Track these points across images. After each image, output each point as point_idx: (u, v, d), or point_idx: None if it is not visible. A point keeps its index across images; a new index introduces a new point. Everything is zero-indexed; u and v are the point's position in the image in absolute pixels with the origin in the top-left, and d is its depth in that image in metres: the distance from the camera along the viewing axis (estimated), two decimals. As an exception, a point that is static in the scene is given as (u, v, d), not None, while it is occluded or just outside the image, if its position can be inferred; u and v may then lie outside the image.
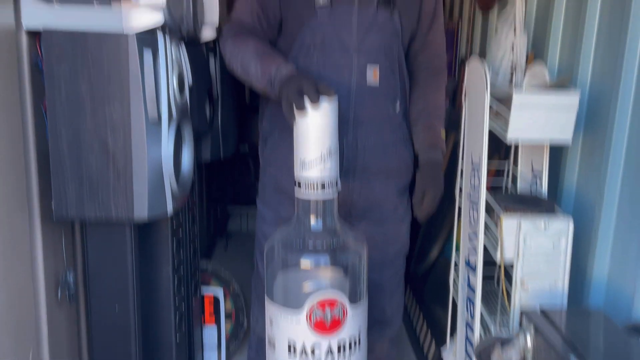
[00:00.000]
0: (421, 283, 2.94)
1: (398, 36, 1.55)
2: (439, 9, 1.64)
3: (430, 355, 2.35)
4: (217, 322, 2.27)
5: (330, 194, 1.30)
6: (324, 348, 1.32)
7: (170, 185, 1.44)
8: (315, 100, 1.25)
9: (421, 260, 3.00)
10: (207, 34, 2.14)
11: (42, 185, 1.44)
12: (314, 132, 1.27)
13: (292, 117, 1.28)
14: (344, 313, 1.32)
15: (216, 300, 2.27)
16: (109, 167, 1.34)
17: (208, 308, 2.27)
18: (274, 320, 1.35)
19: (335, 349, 1.33)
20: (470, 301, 1.69)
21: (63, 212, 1.37)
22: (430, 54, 1.67)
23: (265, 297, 1.38)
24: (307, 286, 1.31)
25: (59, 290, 1.54)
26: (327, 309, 1.30)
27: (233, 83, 2.24)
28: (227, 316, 2.32)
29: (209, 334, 2.26)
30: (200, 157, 2.13)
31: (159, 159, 1.39)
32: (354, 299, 1.34)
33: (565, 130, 1.43)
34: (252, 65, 1.44)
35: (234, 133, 2.37)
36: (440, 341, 2.28)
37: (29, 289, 1.42)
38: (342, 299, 1.31)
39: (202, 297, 2.24)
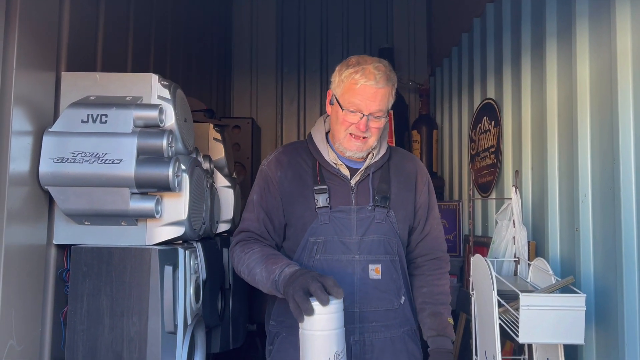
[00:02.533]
0: None
1: (396, 232, 1.63)
2: (432, 199, 1.71)
3: None
4: None
5: (339, 400, 1.26)
6: None
7: (182, 398, 1.41)
8: (325, 302, 1.26)
9: None
10: (222, 227, 2.27)
11: (52, 399, 1.42)
12: (321, 338, 1.26)
13: (301, 319, 1.30)
14: None
15: None
16: (121, 382, 1.33)
17: None
18: None
19: None
20: None
21: None
22: (429, 242, 1.70)
23: None
24: None
25: None
26: None
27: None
28: None
29: None
30: (209, 349, 2.11)
31: (172, 371, 1.38)
32: None
33: (576, 332, 1.43)
34: (257, 269, 1.48)
35: (244, 323, 2.37)
36: None
37: None
38: None
39: None
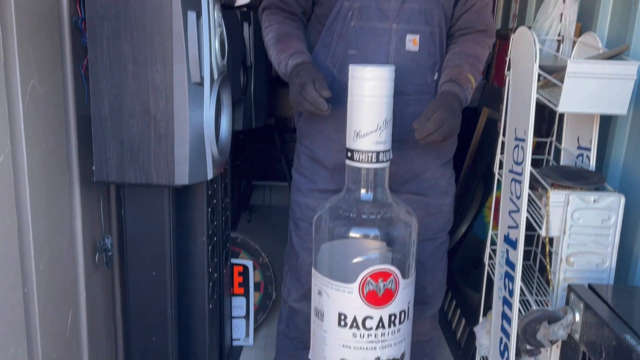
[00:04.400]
0: (449, 261, 2.90)
1: (439, 2, 1.50)
2: None
3: (459, 333, 2.33)
4: (246, 293, 2.27)
5: (383, 163, 1.27)
6: (375, 320, 1.30)
7: (211, 150, 1.41)
8: (327, 95, 1.32)
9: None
10: (242, 0, 2.10)
11: (81, 149, 1.43)
12: (371, 104, 1.23)
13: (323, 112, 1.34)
14: (396, 285, 1.29)
15: (245, 272, 2.27)
16: (150, 131, 1.31)
17: (237, 279, 2.27)
18: (323, 292, 1.33)
19: (386, 321, 1.31)
20: (509, 277, 1.66)
21: (104, 176, 1.36)
22: (473, 16, 1.59)
23: (312, 269, 1.36)
24: (360, 258, 1.28)
25: (97, 255, 1.53)
26: (380, 281, 1.28)
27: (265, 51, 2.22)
28: (256, 287, 2.32)
29: (238, 304, 2.27)
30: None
31: (200, 122, 1.36)
32: (404, 273, 1.32)
33: (622, 101, 1.37)
34: (271, 52, 1.48)
35: (266, 102, 2.34)
36: (470, 319, 2.26)
37: (68, 252, 1.42)
38: (395, 271, 1.29)
39: (232, 268, 2.23)
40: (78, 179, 1.42)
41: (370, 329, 1.32)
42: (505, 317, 1.68)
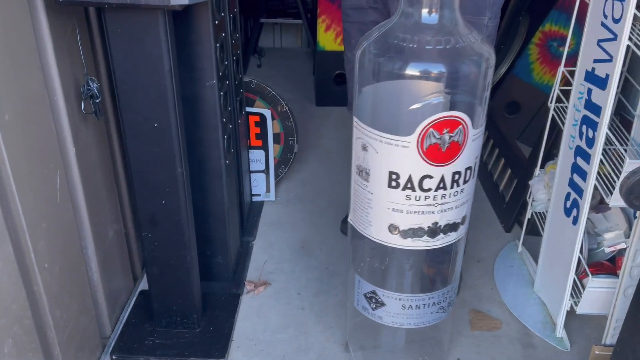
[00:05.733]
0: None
1: None
2: None
3: (502, 185, 2.10)
4: (265, 145, 2.00)
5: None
6: (436, 180, 1.04)
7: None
8: None
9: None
10: None
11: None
12: None
13: None
14: (465, 137, 1.00)
15: (262, 122, 1.98)
16: None
17: (253, 130, 1.99)
18: (369, 146, 1.05)
19: (448, 181, 1.05)
20: (588, 123, 1.36)
21: (71, -7, 0.99)
22: None
23: (355, 119, 1.06)
24: (420, 104, 0.98)
25: (83, 103, 1.23)
26: (446, 133, 0.99)
27: None
28: (275, 139, 2.05)
29: (256, 157, 2.02)
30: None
31: None
32: (475, 121, 1.02)
33: None
34: None
35: None
36: (517, 171, 2.02)
37: (43, 98, 1.12)
38: (465, 119, 0.99)
39: (247, 117, 1.94)
40: (42, 2, 1.07)
41: (429, 190, 1.07)
42: (578, 170, 1.42)
